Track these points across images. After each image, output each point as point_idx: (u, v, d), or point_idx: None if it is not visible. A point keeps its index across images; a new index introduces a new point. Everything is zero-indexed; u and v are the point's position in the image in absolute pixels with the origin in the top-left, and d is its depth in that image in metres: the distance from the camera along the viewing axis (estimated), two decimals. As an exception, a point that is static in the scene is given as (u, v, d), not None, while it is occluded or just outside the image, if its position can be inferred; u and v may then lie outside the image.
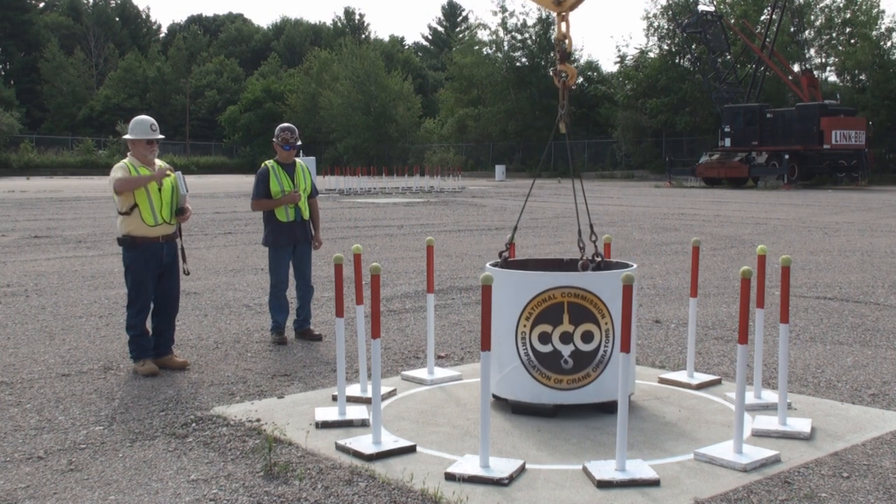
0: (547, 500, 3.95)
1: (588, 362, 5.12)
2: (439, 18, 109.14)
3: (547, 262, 5.98)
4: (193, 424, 5.08)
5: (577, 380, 5.13)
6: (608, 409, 5.13)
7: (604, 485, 4.08)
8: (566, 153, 5.96)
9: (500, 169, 54.76)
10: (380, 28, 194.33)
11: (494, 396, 5.37)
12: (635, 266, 5.44)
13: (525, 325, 5.11)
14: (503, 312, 5.15)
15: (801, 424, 4.91)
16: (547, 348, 5.10)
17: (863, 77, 50.56)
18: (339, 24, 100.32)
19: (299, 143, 7.51)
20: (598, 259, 5.69)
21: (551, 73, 6.07)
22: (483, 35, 68.32)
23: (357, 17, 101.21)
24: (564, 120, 5.81)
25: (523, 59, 65.78)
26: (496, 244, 14.87)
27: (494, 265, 5.56)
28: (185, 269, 6.64)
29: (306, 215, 7.49)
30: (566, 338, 5.09)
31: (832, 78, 53.82)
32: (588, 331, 5.09)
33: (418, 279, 10.90)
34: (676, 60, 56.40)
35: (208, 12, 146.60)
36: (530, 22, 65.68)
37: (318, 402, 5.50)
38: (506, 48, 66.12)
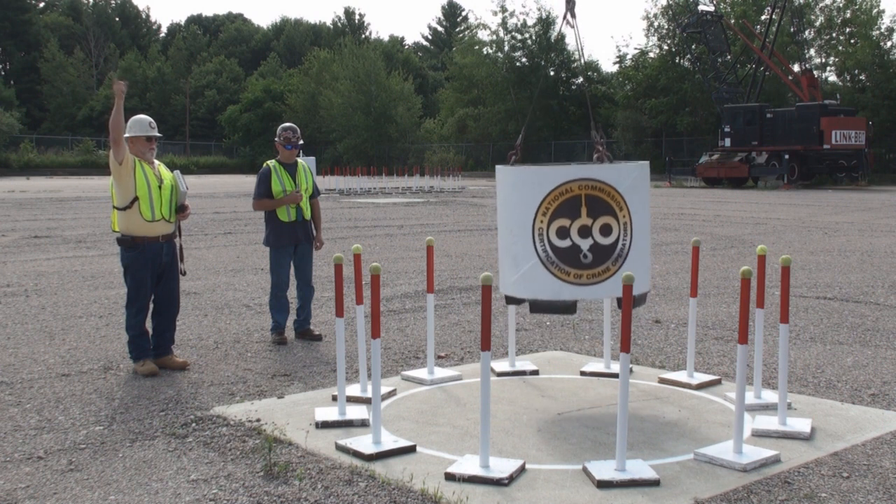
0: (547, 500, 3.95)
1: (607, 256, 5.01)
2: (439, 18, 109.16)
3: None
4: (193, 424, 5.09)
5: (597, 274, 5.01)
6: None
7: (604, 485, 4.08)
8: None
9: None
10: (380, 28, 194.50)
11: (508, 298, 5.27)
12: (647, 162, 5.36)
13: (542, 221, 4.99)
14: (519, 210, 5.05)
15: (801, 424, 4.91)
16: (565, 243, 4.98)
17: (863, 77, 50.54)
18: (339, 24, 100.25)
19: (301, 142, 7.52)
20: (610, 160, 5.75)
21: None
22: (483, 35, 68.30)
23: (357, 17, 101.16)
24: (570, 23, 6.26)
25: (523, 59, 65.72)
26: (496, 244, 14.85)
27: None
28: (181, 268, 6.63)
29: (308, 215, 7.49)
30: (584, 231, 4.97)
31: (832, 78, 53.81)
32: (606, 224, 4.98)
33: (418, 279, 10.90)
34: (676, 60, 56.35)
35: (208, 12, 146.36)
36: (530, 22, 65.64)
37: (318, 402, 5.50)
38: (506, 48, 66.07)
